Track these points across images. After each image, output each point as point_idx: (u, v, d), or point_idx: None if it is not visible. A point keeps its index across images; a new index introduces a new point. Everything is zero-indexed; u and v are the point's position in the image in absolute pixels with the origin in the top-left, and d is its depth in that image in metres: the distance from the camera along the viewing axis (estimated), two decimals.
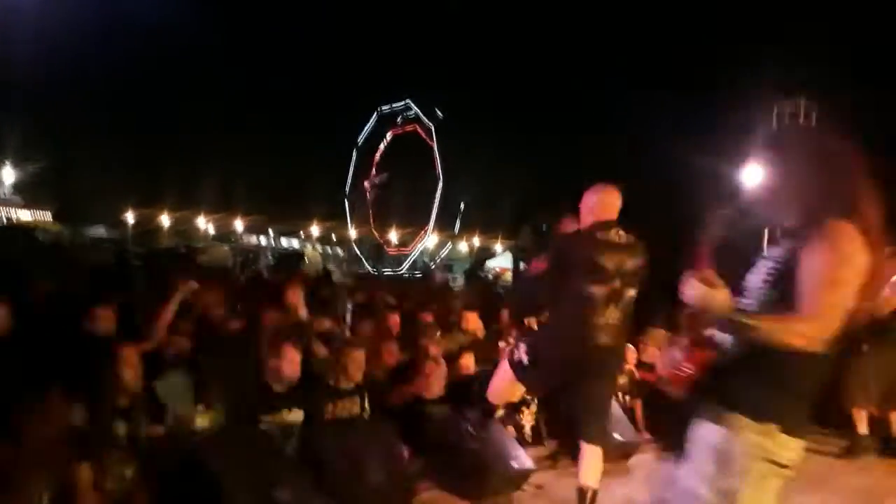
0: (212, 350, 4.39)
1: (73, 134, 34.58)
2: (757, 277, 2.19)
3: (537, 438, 5.31)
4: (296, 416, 4.06)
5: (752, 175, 6.52)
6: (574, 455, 5.07)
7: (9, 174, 32.96)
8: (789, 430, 2.11)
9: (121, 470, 3.52)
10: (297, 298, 5.08)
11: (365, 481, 3.66)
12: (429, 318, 6.41)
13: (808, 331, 1.99)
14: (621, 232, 3.85)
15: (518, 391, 4.18)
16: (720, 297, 2.06)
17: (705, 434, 2.18)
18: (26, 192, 35.81)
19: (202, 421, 3.99)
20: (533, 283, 4.08)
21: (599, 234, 3.80)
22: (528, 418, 5.29)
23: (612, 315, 3.75)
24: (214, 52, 37.05)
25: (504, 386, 4.08)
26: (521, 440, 4.97)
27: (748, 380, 2.13)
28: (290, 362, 4.10)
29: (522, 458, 4.37)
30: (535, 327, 5.24)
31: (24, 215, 33.76)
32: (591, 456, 3.84)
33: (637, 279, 3.84)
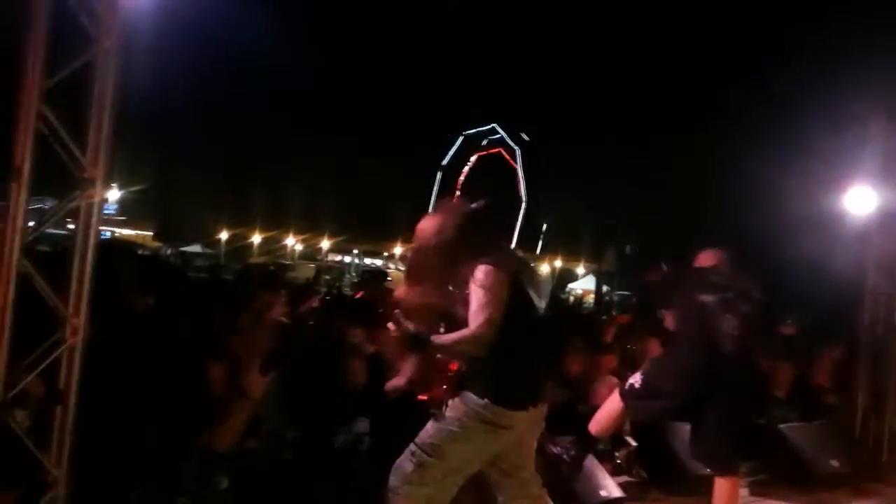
0: (297, 364, 4.46)
1: (173, 158, 36.49)
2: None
3: (627, 468, 5.14)
4: (363, 426, 4.10)
5: (858, 200, 6.18)
6: (664, 486, 4.97)
7: (113, 194, 34.87)
8: (499, 402, 2.78)
9: (216, 479, 3.61)
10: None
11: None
12: None
13: (478, 337, 2.71)
14: (730, 271, 4.12)
15: (622, 424, 4.20)
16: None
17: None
18: (129, 212, 37.89)
19: (290, 433, 4.06)
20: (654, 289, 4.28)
21: (708, 271, 4.11)
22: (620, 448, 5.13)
23: (730, 323, 3.87)
24: (303, 78, 38.27)
25: (610, 417, 4.14)
26: (612, 470, 4.83)
27: (472, 374, 2.88)
28: (355, 374, 4.15)
29: (611, 487, 4.25)
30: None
31: (127, 233, 35.57)
32: (725, 485, 3.93)
33: (750, 298, 3.97)
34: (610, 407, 4.15)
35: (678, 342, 4.14)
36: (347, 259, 43.65)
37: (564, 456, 4.07)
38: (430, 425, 2.89)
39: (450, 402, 2.88)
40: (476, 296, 2.77)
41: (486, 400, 2.78)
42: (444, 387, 2.97)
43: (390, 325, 2.85)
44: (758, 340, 4.18)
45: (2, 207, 2.74)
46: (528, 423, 2.91)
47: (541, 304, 3.02)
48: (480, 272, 2.81)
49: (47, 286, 2.84)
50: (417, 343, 2.85)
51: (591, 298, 32.12)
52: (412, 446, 2.88)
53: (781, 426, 5.62)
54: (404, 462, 2.89)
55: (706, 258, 4.22)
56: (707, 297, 3.91)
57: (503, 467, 3.01)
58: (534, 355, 2.95)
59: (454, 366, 2.99)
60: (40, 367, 2.82)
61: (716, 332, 3.86)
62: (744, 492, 5.04)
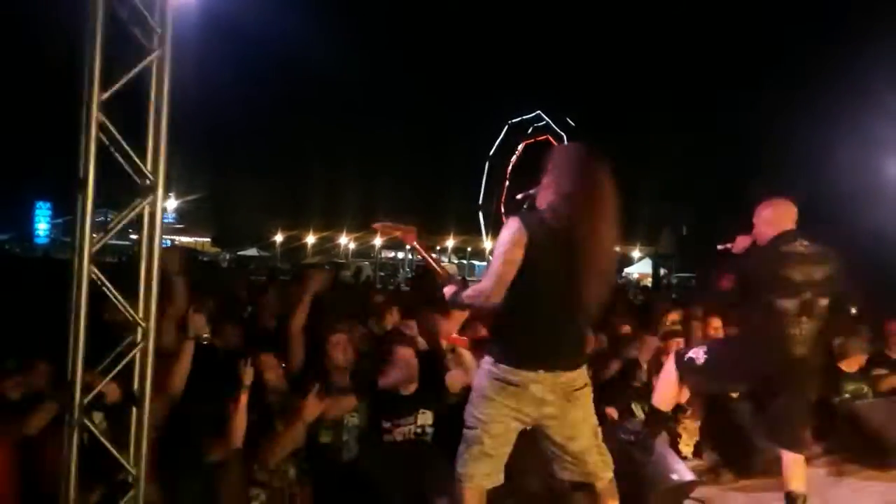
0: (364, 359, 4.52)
1: (226, 164, 37.35)
2: None
3: (697, 451, 5.06)
4: (425, 418, 4.10)
5: None
6: (737, 469, 4.87)
7: (171, 204, 35.86)
8: (501, 360, 2.91)
9: (285, 468, 3.68)
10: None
11: (524, 485, 3.62)
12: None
13: (482, 291, 2.88)
14: (805, 241, 3.79)
15: (684, 394, 4.13)
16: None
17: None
18: (187, 220, 38.94)
19: (353, 420, 4.12)
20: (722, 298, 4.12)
21: (783, 247, 3.77)
22: (689, 432, 5.04)
23: (805, 327, 3.70)
24: (350, 78, 38.60)
25: (669, 388, 4.06)
26: (679, 452, 4.76)
27: (490, 339, 3.09)
28: (405, 365, 4.13)
29: (683, 471, 4.17)
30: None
31: (186, 240, 36.55)
32: (794, 462, 3.83)
33: (829, 288, 3.77)
34: (668, 379, 4.05)
35: (747, 337, 3.97)
36: (401, 255, 43.95)
37: (633, 439, 4.01)
38: (469, 401, 3.03)
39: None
40: (495, 250, 2.91)
41: (494, 359, 2.95)
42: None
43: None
44: (832, 333, 4.03)
45: (68, 221, 2.84)
46: (549, 388, 2.89)
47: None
48: (505, 226, 2.90)
49: (117, 293, 2.92)
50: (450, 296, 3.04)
51: (648, 281, 31.62)
52: (463, 428, 3.01)
53: (855, 403, 5.45)
54: (461, 445, 3.00)
55: (774, 214, 3.86)
56: (785, 303, 3.66)
57: (551, 437, 3.00)
58: (550, 319, 2.91)
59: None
60: (115, 371, 2.91)
61: (790, 337, 3.69)
62: (820, 471, 4.92)
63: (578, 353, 3.04)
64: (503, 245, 2.85)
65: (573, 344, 3.01)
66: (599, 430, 3.11)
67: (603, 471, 3.06)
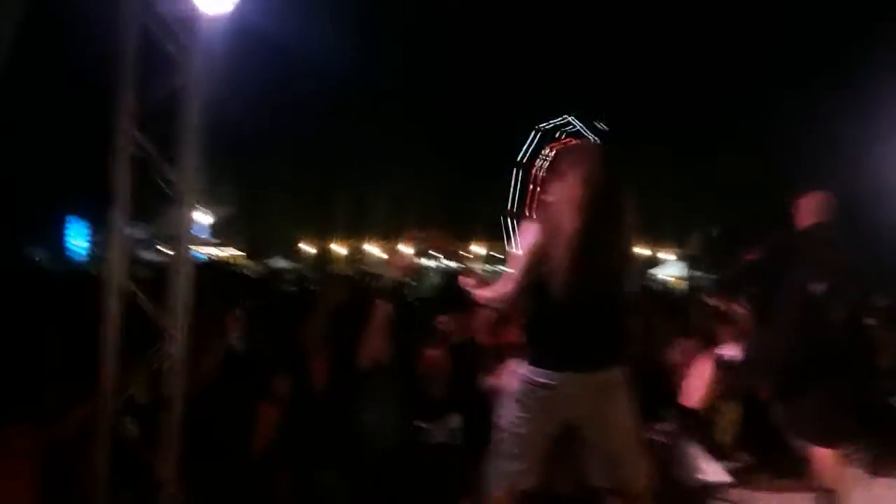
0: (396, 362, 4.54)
1: (258, 179, 37.78)
2: None
3: (731, 451, 4.99)
4: (455, 421, 4.13)
5: None
6: (772, 471, 4.80)
7: (206, 219, 36.37)
8: (532, 363, 2.93)
9: (321, 477, 3.72)
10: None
11: (555, 491, 3.62)
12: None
13: (499, 291, 2.99)
14: (838, 233, 3.89)
15: (714, 393, 4.08)
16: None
17: None
18: (221, 234, 39.47)
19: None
20: (745, 273, 4.06)
21: (816, 234, 3.84)
22: (724, 429, 4.98)
23: (835, 312, 3.70)
24: (380, 91, 38.80)
25: (702, 387, 4.07)
26: (714, 452, 4.71)
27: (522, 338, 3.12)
28: (434, 367, 4.17)
29: (716, 472, 4.14)
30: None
31: (221, 254, 37.04)
32: (830, 459, 3.81)
33: (859, 278, 3.84)
34: (701, 377, 4.04)
35: (780, 326, 3.94)
36: (429, 262, 44.04)
37: (664, 440, 3.98)
38: (501, 404, 3.07)
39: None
40: (514, 254, 2.99)
41: (523, 362, 2.98)
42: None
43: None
44: (865, 322, 3.99)
45: (102, 235, 2.93)
46: (580, 388, 2.90)
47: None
48: (524, 229, 2.98)
49: (149, 303, 3.00)
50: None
51: (677, 284, 31.25)
52: (494, 431, 3.02)
53: (891, 399, 5.35)
54: (492, 447, 3.01)
55: (810, 205, 3.93)
56: (817, 287, 3.69)
57: (585, 437, 3.00)
58: (575, 320, 2.90)
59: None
60: (146, 377, 2.98)
61: (823, 323, 3.70)
62: (859, 471, 4.83)
63: (610, 351, 3.01)
64: (520, 248, 2.92)
65: (602, 342, 2.98)
66: (637, 434, 3.09)
67: (638, 477, 3.03)
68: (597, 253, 2.85)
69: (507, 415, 2.98)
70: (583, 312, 2.92)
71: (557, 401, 2.91)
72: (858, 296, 3.79)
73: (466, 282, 3.18)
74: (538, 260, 2.87)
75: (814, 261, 3.73)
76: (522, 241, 2.93)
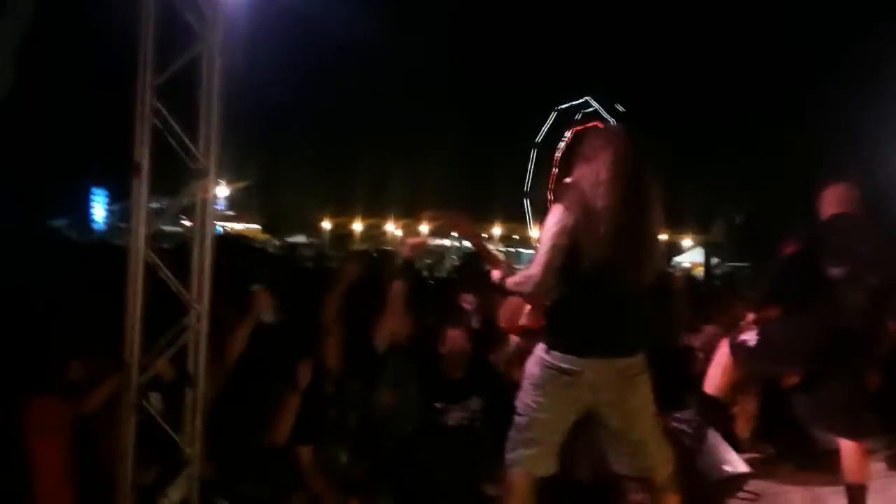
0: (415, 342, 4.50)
1: (275, 153, 37.81)
2: None
3: (754, 442, 4.94)
4: (476, 403, 4.08)
5: None
6: (795, 462, 4.74)
7: (222, 191, 36.50)
8: (555, 347, 2.88)
9: (335, 454, 3.71)
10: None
11: (575, 477, 3.58)
12: None
13: (531, 278, 2.87)
14: (860, 223, 3.88)
15: (735, 379, 4.06)
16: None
17: None
18: (237, 207, 39.60)
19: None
20: (783, 267, 4.00)
21: (838, 223, 3.83)
22: (746, 414, 4.92)
23: (855, 297, 3.64)
24: (399, 68, 38.65)
25: (722, 375, 3.98)
26: (735, 443, 4.65)
27: (544, 327, 3.03)
28: (456, 350, 4.11)
29: (737, 462, 4.08)
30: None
31: (237, 227, 37.20)
32: (854, 452, 3.73)
33: (879, 266, 3.72)
34: (720, 363, 3.99)
35: (799, 312, 3.92)
36: (447, 242, 44.06)
37: (686, 429, 3.92)
38: (521, 388, 3.00)
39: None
40: (542, 236, 2.88)
41: (547, 346, 2.91)
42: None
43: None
44: (886, 311, 3.93)
45: (124, 206, 2.90)
46: (603, 375, 2.86)
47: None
48: (552, 212, 2.88)
49: (172, 276, 2.97)
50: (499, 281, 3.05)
51: (700, 271, 31.06)
52: (514, 414, 2.99)
53: None
54: (511, 431, 2.98)
55: (834, 196, 3.94)
56: (835, 271, 3.67)
57: (608, 425, 2.96)
58: (602, 305, 2.87)
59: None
60: (170, 352, 2.96)
61: (842, 309, 3.66)
62: (881, 465, 4.75)
63: (634, 338, 2.98)
64: (549, 231, 2.84)
65: (628, 329, 2.95)
66: (659, 422, 3.07)
67: (663, 465, 3.01)
68: (627, 237, 2.81)
69: (528, 399, 2.93)
70: (611, 297, 2.88)
71: (580, 387, 2.86)
72: (879, 284, 3.68)
73: (495, 274, 3.11)
74: (568, 243, 2.80)
75: (834, 248, 3.73)
76: (551, 223, 2.85)
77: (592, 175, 2.88)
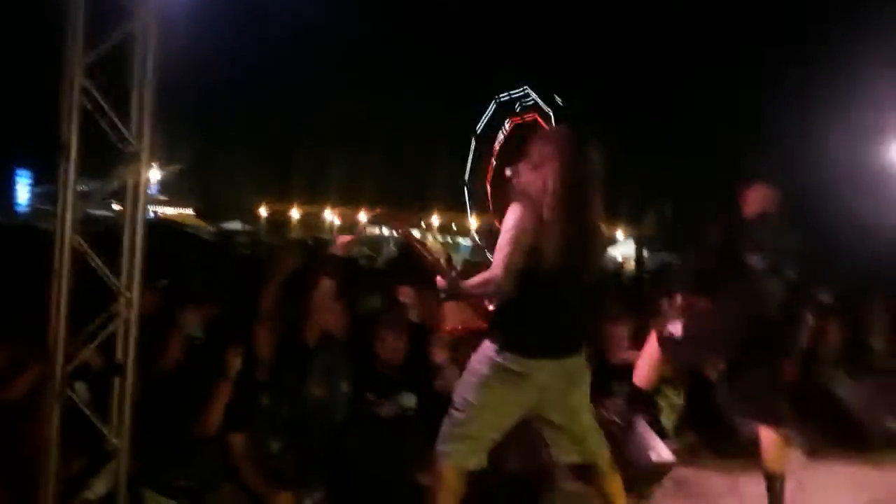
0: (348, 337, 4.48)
1: (211, 137, 36.86)
2: None
3: (680, 429, 5.10)
4: (409, 400, 4.10)
5: None
6: (716, 450, 4.92)
7: (154, 174, 35.43)
8: (507, 349, 2.87)
9: (267, 443, 3.68)
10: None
11: (505, 469, 3.63)
12: None
13: (492, 280, 2.82)
14: (782, 222, 4.02)
15: (664, 371, 4.23)
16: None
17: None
18: (170, 191, 38.49)
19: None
20: (705, 257, 4.13)
21: (759, 221, 3.97)
22: (671, 406, 5.08)
23: (774, 288, 3.80)
24: (338, 55, 38.11)
25: (650, 366, 4.13)
26: (661, 432, 4.80)
27: (492, 324, 3.00)
28: (391, 349, 4.12)
29: (662, 451, 4.21)
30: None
31: (169, 212, 36.21)
32: (773, 441, 3.88)
33: (798, 260, 3.90)
34: (649, 356, 4.14)
35: (722, 302, 4.07)
36: (385, 231, 43.86)
37: (615, 419, 4.04)
38: (460, 383, 3.02)
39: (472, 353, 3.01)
40: (501, 238, 2.85)
41: (497, 346, 2.89)
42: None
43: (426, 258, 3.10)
44: (803, 303, 4.13)
45: (50, 189, 2.80)
46: (552, 375, 2.91)
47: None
48: (509, 212, 2.88)
49: (100, 262, 2.89)
50: (449, 288, 2.99)
51: (631, 264, 31.76)
52: (450, 408, 3.00)
53: (831, 387, 5.51)
54: (445, 424, 2.99)
55: (756, 196, 4.08)
56: (757, 263, 3.84)
57: (551, 421, 3.02)
58: (555, 307, 2.92)
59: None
60: (97, 340, 2.88)
61: (761, 296, 3.82)
62: (797, 453, 4.97)
63: (582, 336, 3.06)
64: (510, 231, 2.83)
65: (577, 328, 3.03)
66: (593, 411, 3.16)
67: (602, 449, 3.11)
68: (575, 244, 2.86)
69: (469, 396, 2.93)
70: (563, 300, 2.93)
71: (530, 388, 2.90)
72: (797, 277, 3.87)
73: (440, 282, 3.03)
74: (526, 244, 2.81)
75: (755, 242, 3.88)
76: (510, 224, 2.84)
77: (540, 183, 2.90)
